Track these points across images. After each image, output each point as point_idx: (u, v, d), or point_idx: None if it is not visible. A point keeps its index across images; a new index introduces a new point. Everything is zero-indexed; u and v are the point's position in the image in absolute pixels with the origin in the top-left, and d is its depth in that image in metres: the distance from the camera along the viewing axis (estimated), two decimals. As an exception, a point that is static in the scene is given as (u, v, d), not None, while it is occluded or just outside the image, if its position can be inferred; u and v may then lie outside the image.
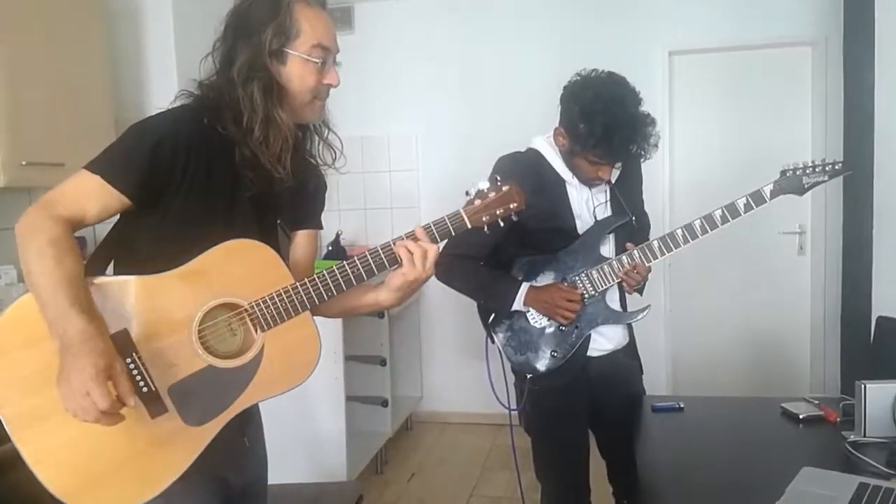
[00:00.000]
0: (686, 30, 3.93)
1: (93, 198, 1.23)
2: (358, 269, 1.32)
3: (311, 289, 1.31)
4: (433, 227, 1.33)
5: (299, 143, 1.42)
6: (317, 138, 1.46)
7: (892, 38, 3.43)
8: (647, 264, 1.96)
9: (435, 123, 4.19)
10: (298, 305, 1.30)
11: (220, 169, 1.29)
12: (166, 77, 3.11)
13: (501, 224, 1.37)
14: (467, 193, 1.36)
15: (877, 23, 3.40)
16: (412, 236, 1.32)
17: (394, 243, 1.32)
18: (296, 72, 1.31)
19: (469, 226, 1.34)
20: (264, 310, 1.28)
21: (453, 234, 1.34)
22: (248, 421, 1.51)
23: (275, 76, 1.29)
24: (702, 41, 3.94)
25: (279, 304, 1.29)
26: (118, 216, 1.33)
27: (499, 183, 1.36)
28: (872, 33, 3.41)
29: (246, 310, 1.28)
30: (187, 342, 1.25)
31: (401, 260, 1.31)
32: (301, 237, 1.50)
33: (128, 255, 1.31)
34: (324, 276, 1.32)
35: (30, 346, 1.22)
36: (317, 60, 1.31)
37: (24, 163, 2.32)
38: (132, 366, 1.21)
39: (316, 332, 1.34)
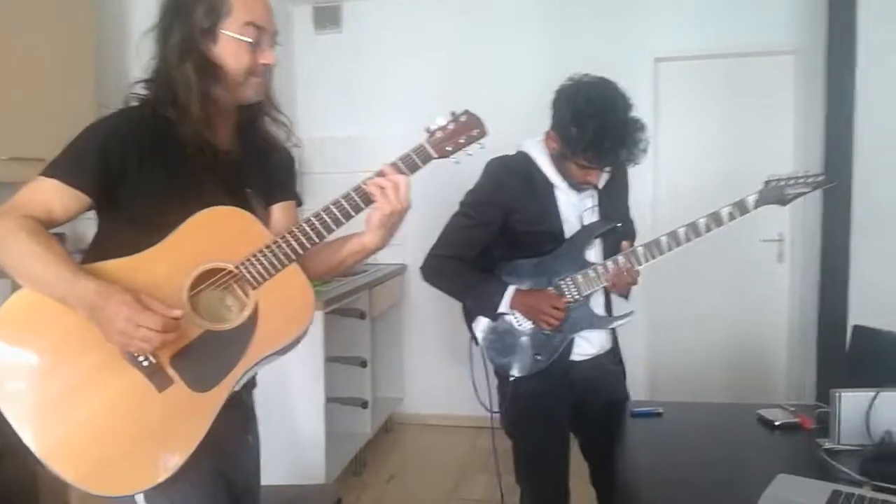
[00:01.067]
0: (672, 37, 3.97)
1: (54, 199, 1.25)
2: (334, 214, 1.34)
3: (292, 240, 1.32)
4: (399, 162, 1.36)
5: (253, 120, 1.45)
6: (266, 116, 1.47)
7: (874, 48, 3.48)
8: (636, 268, 1.97)
9: (425, 122, 4.18)
10: (283, 258, 1.32)
11: (175, 154, 1.30)
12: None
13: (470, 155, 1.40)
14: (427, 130, 1.39)
15: (858, 32, 3.45)
16: (380, 173, 1.34)
17: (365, 184, 1.34)
18: (228, 51, 1.32)
19: (434, 155, 1.37)
20: (250, 268, 1.30)
21: (420, 165, 1.36)
22: (251, 419, 1.53)
23: (206, 57, 1.30)
24: (687, 48, 3.98)
25: (264, 260, 1.31)
26: (96, 223, 1.35)
27: (457, 114, 1.39)
28: (854, 42, 3.46)
29: (232, 271, 1.29)
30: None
31: (373, 196, 1.33)
32: (278, 211, 1.50)
33: (115, 256, 1.30)
34: (302, 226, 1.33)
35: (23, 341, 1.24)
36: (248, 39, 1.31)
37: (7, 157, 2.29)
38: None
39: (306, 282, 1.35)
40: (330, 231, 1.35)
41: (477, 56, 4.17)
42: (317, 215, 1.34)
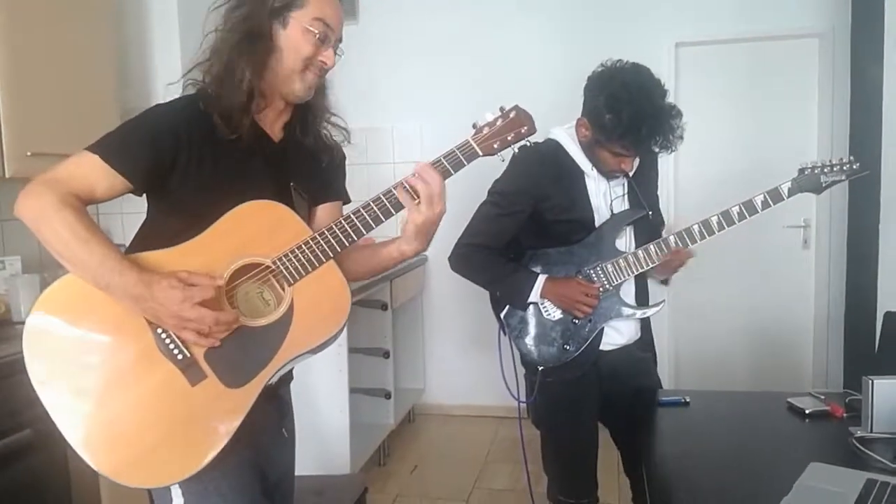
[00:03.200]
0: (693, 21, 3.91)
1: (97, 177, 1.26)
2: (374, 212, 1.32)
3: (330, 237, 1.31)
4: (444, 160, 1.32)
5: (306, 121, 1.46)
6: (321, 121, 1.48)
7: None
8: (687, 249, 1.94)
9: (440, 115, 4.16)
10: (321, 255, 1.31)
11: (224, 148, 1.31)
12: (171, 67, 3.11)
13: (515, 151, 1.36)
14: (474, 126, 1.35)
15: (886, 14, 3.37)
16: (415, 173, 1.31)
17: (402, 183, 1.31)
18: (294, 38, 1.33)
19: (480, 153, 1.33)
20: (287, 264, 1.29)
21: (465, 163, 1.32)
22: (286, 413, 1.54)
23: (268, 35, 1.32)
24: (709, 32, 3.92)
25: (301, 256, 1.30)
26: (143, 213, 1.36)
27: (506, 110, 1.34)
28: (882, 24, 3.38)
29: (269, 266, 1.29)
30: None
31: (405, 204, 1.30)
32: (323, 211, 1.50)
33: (158, 245, 1.31)
34: (341, 223, 1.32)
35: (64, 329, 1.25)
36: (315, 31, 1.33)
37: (29, 153, 2.31)
38: (164, 335, 1.24)
39: (343, 280, 1.34)
40: (369, 229, 1.33)
41: (495, 46, 4.13)
42: (356, 212, 1.32)
